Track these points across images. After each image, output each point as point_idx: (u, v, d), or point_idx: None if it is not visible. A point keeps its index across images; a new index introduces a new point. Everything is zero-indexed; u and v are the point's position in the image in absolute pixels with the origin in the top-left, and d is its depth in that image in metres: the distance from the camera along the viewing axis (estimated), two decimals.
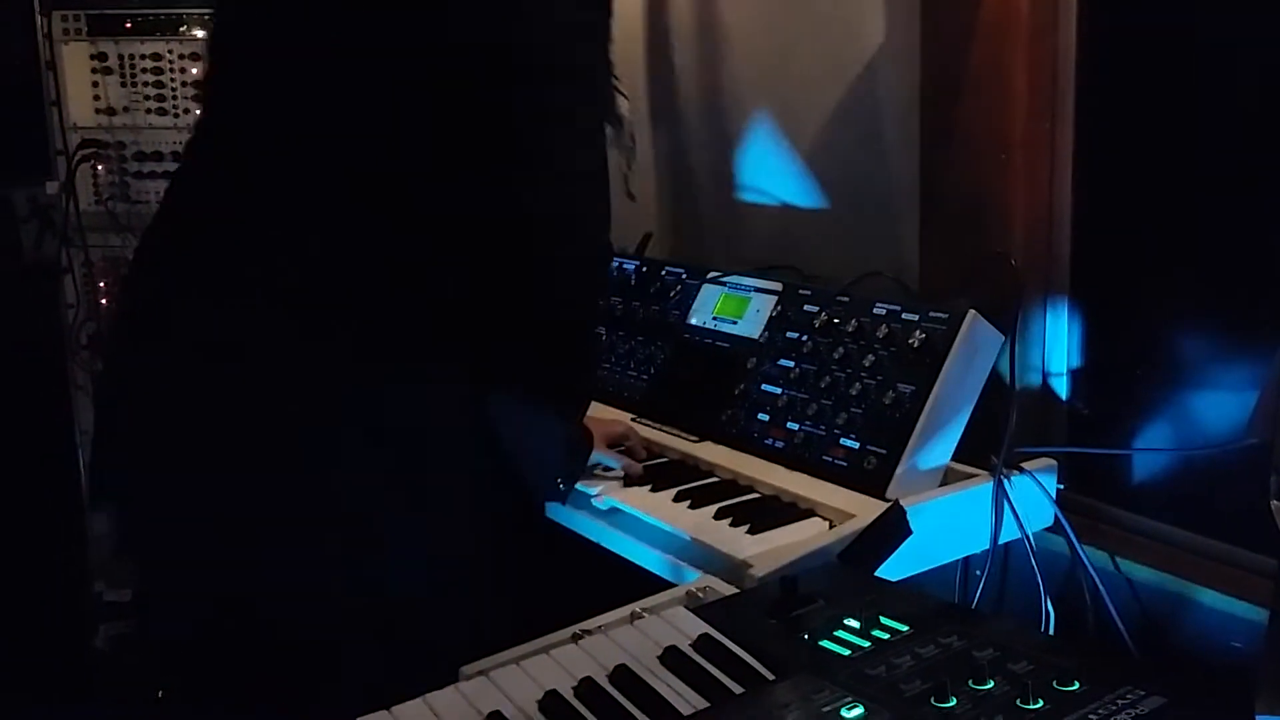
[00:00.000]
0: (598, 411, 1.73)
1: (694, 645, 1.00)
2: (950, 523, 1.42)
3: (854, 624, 1.01)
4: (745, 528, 1.36)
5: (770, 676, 0.95)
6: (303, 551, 1.18)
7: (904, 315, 1.50)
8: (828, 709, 0.88)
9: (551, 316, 1.27)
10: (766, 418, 1.58)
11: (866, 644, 0.98)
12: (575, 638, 1.05)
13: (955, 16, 1.56)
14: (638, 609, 1.12)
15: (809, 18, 1.82)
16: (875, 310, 1.53)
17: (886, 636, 0.99)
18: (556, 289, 1.26)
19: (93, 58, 2.47)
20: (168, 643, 1.36)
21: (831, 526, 1.37)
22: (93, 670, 2.53)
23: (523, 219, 1.20)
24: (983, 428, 1.48)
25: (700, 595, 1.16)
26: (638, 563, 1.43)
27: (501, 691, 0.95)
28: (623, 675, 0.96)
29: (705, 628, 1.02)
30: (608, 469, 1.53)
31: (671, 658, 0.98)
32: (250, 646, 1.21)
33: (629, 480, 1.52)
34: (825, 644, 0.99)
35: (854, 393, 1.50)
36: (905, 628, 1.00)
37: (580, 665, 0.99)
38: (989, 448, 1.47)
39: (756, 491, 1.49)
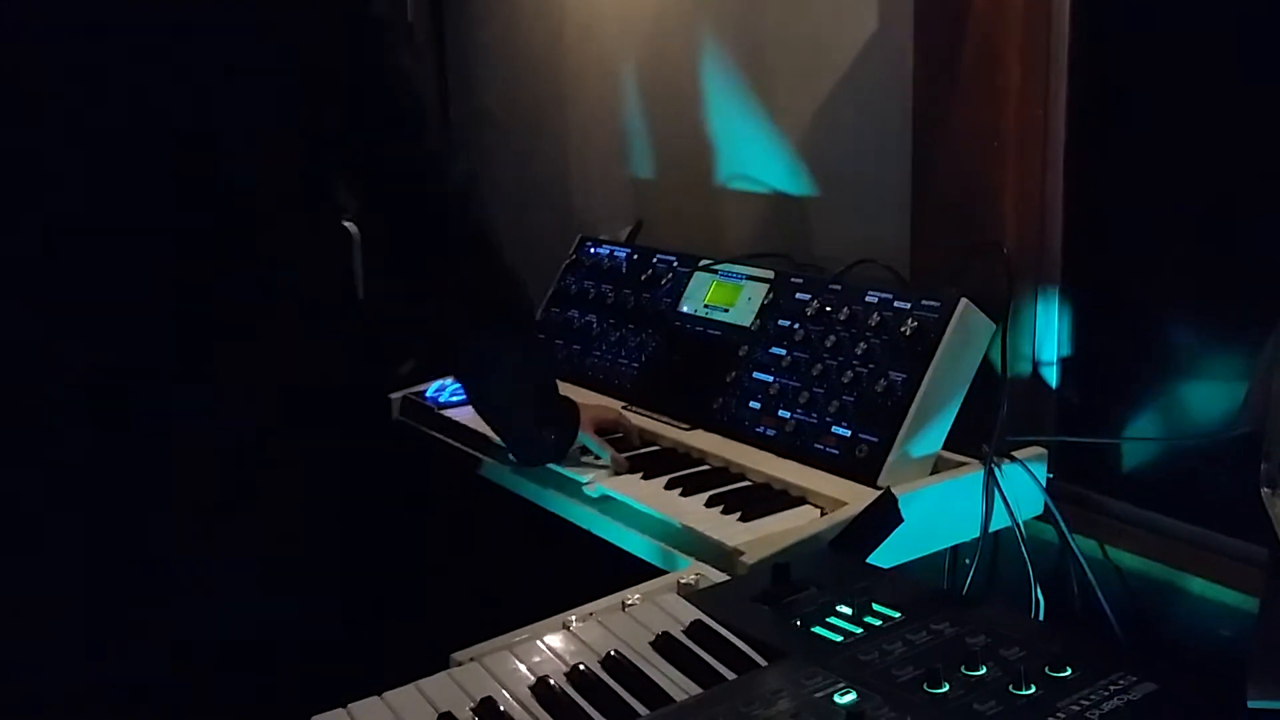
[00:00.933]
0: (589, 398, 1.73)
1: (687, 631, 1.00)
2: (941, 511, 1.42)
3: (846, 610, 1.01)
4: (737, 515, 1.36)
5: (763, 662, 0.95)
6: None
7: (896, 303, 1.50)
8: (820, 694, 0.88)
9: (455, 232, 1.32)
10: (758, 406, 1.58)
11: (859, 630, 0.98)
12: (566, 625, 1.05)
13: (948, 4, 1.55)
14: (629, 596, 1.12)
15: (802, 5, 1.82)
16: (867, 298, 1.53)
17: (879, 623, 0.99)
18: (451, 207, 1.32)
19: None
20: None
21: (823, 514, 1.37)
22: None
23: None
24: (973, 416, 1.48)
25: (692, 583, 1.16)
26: (629, 550, 1.43)
27: (494, 677, 0.95)
28: (616, 661, 0.96)
29: (698, 614, 1.02)
30: (598, 458, 1.53)
31: (664, 643, 0.98)
32: None
33: (616, 472, 1.51)
34: (818, 630, 0.99)
35: (846, 380, 1.50)
36: (897, 614, 1.00)
37: (573, 651, 0.98)
38: (980, 436, 1.47)
39: (748, 479, 1.49)
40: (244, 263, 1.18)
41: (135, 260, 1.13)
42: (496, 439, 1.56)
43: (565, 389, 1.84)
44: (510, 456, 1.56)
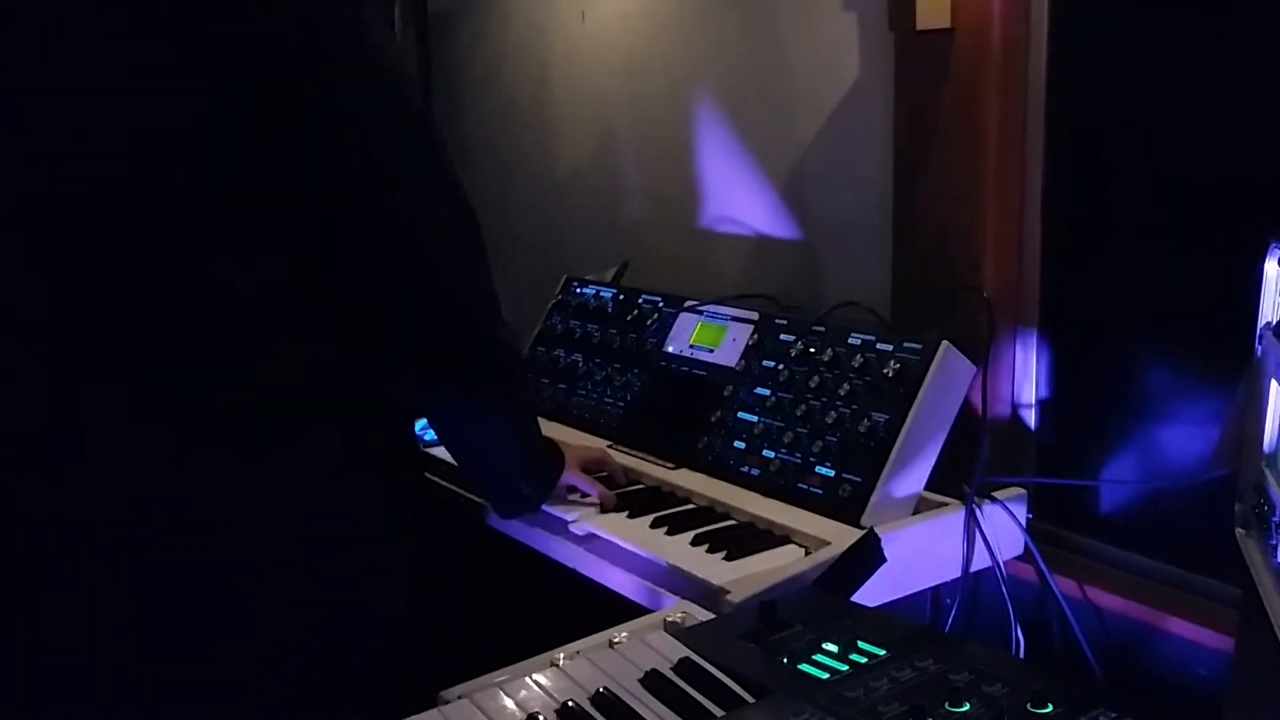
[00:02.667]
0: (574, 437, 1.74)
1: (675, 668, 1.01)
2: (923, 551, 1.44)
3: (832, 648, 1.02)
4: (722, 554, 1.38)
5: (750, 699, 0.96)
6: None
7: (879, 345, 1.52)
8: None
9: (435, 303, 1.22)
10: (743, 445, 1.60)
11: (845, 667, 0.99)
12: (554, 662, 1.06)
13: (928, 55, 1.59)
14: (616, 634, 1.13)
15: (786, 52, 1.86)
16: (850, 340, 1.56)
17: (864, 660, 1.01)
18: (430, 277, 1.21)
19: None
20: None
21: (807, 553, 1.38)
22: None
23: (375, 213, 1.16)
24: (954, 457, 1.50)
25: (678, 621, 1.17)
26: (614, 588, 1.44)
27: (484, 714, 0.96)
28: (605, 698, 0.97)
29: (686, 651, 1.03)
30: (585, 495, 1.54)
31: (653, 680, 0.99)
32: None
33: (604, 508, 1.53)
34: (804, 667, 1.00)
35: (829, 421, 1.52)
36: (882, 651, 1.02)
37: (562, 688, 0.99)
38: (960, 477, 1.50)
39: (733, 518, 1.50)
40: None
41: None
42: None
43: (551, 428, 1.86)
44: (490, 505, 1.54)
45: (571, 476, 1.53)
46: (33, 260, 1.11)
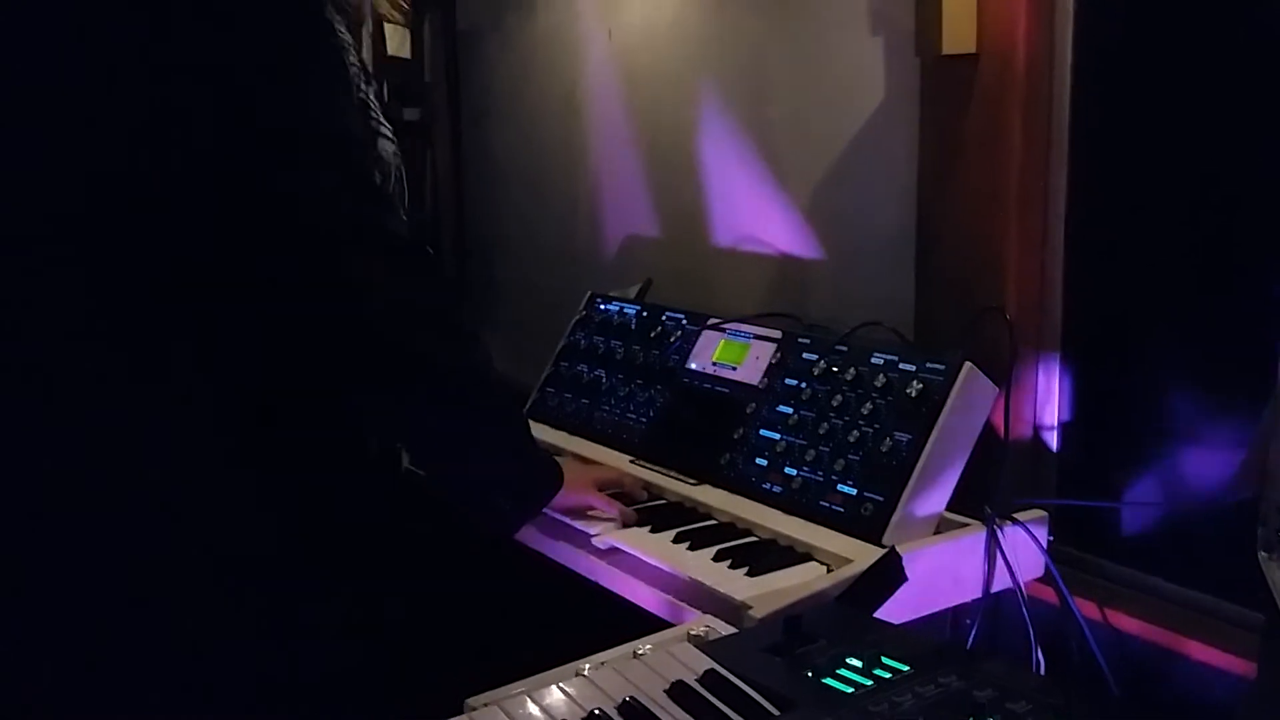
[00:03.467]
0: (596, 453, 1.75)
1: (700, 680, 1.02)
2: (944, 571, 1.45)
3: (856, 663, 1.03)
4: (744, 570, 1.39)
5: (775, 712, 0.97)
6: None
7: (901, 365, 1.53)
8: None
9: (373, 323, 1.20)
10: (765, 463, 1.61)
11: (869, 682, 1.00)
12: (579, 672, 1.07)
13: (953, 79, 1.61)
14: (640, 646, 1.14)
15: (812, 74, 1.88)
16: (873, 360, 1.57)
17: (888, 675, 1.01)
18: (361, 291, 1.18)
19: None
20: None
21: (829, 571, 1.39)
22: None
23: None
24: (975, 478, 1.51)
25: (702, 634, 1.18)
26: (637, 603, 1.45)
27: None
28: (631, 707, 0.98)
29: (711, 663, 1.04)
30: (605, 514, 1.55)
31: (678, 692, 1.00)
32: None
33: (625, 525, 1.54)
34: (829, 681, 1.01)
35: (851, 440, 1.53)
36: (906, 667, 1.02)
37: (589, 696, 1.00)
38: (982, 498, 1.50)
39: (754, 535, 1.51)
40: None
41: None
42: None
43: (574, 444, 1.87)
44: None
45: (588, 497, 1.54)
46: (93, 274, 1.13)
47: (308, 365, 1.20)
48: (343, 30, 1.19)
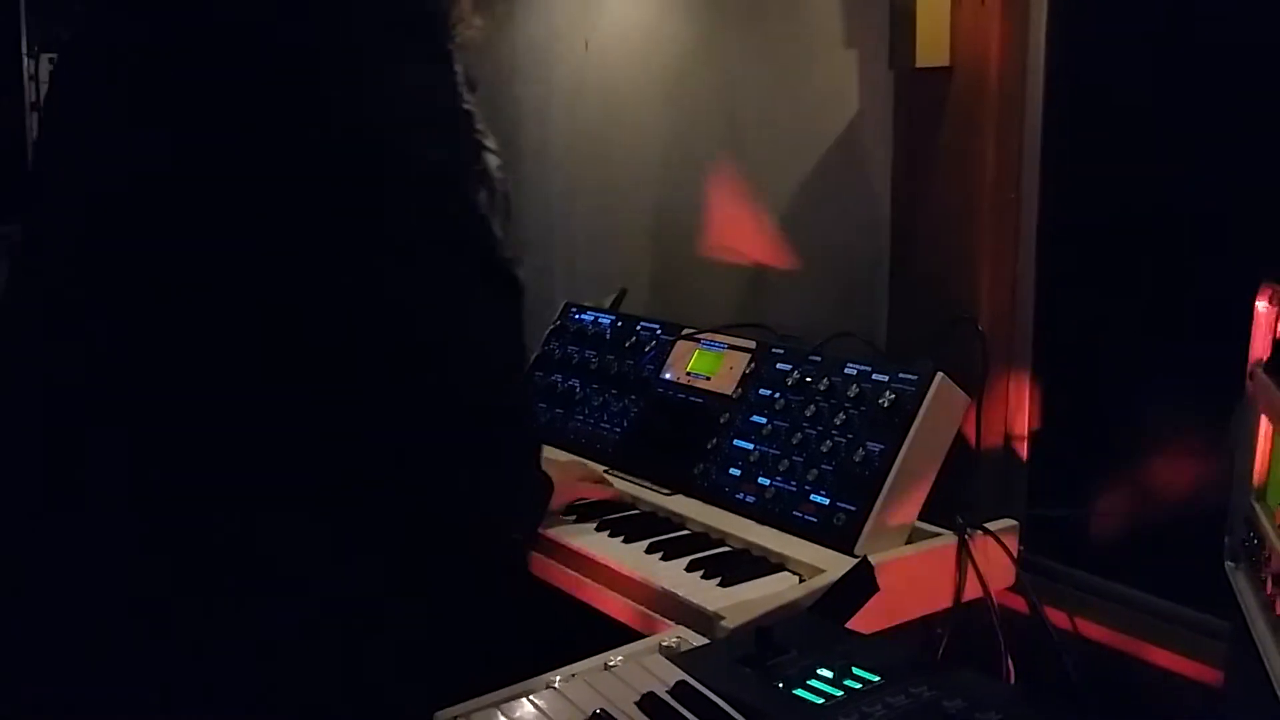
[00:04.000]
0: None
1: (671, 692, 1.02)
2: (915, 580, 1.45)
3: (827, 674, 1.03)
4: (716, 580, 1.39)
5: None
6: None
7: (874, 375, 1.54)
8: None
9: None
10: (739, 473, 1.61)
11: (839, 693, 1.00)
12: (550, 685, 1.07)
13: (927, 92, 1.62)
14: (611, 658, 1.14)
15: (788, 86, 1.89)
16: (846, 370, 1.58)
17: (859, 686, 1.01)
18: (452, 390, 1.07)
19: None
20: None
21: (801, 581, 1.39)
22: None
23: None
24: (947, 488, 1.52)
25: (673, 645, 1.18)
26: (608, 613, 1.45)
27: None
28: None
29: (681, 674, 1.04)
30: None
31: (649, 704, 1.00)
32: None
33: (601, 525, 1.55)
34: (799, 692, 1.01)
35: (824, 450, 1.53)
36: (877, 678, 1.03)
37: (559, 709, 1.00)
38: (953, 508, 1.51)
39: (728, 545, 1.51)
40: None
41: None
42: None
43: (548, 455, 1.86)
44: None
45: (578, 489, 1.58)
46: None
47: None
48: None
